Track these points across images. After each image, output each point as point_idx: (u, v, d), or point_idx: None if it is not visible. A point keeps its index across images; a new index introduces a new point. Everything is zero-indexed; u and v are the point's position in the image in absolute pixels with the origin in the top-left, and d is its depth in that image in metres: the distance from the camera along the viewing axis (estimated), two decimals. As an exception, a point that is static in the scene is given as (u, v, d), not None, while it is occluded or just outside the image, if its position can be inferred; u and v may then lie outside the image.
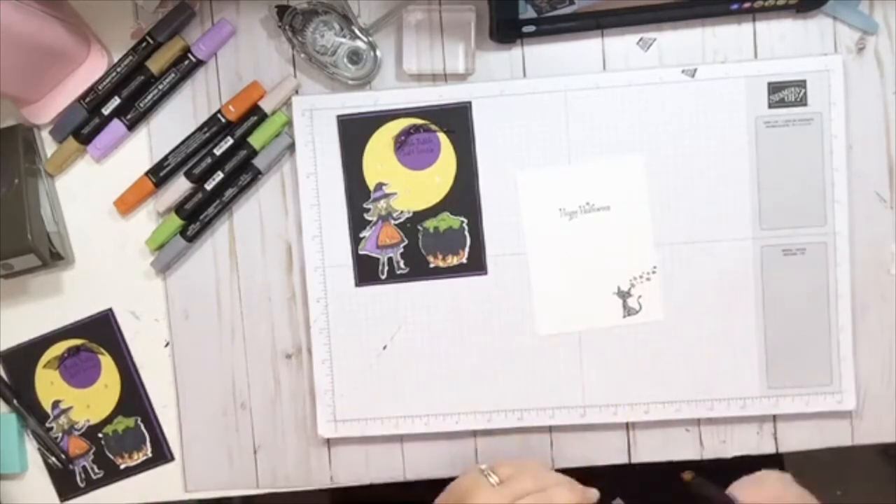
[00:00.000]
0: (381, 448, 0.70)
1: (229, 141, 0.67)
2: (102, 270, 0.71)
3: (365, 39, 0.65)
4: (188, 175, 0.68)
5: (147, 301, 0.70)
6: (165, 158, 0.68)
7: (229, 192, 0.68)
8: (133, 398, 0.71)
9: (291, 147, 0.68)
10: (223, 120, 0.67)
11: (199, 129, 0.68)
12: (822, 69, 0.65)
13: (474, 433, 0.69)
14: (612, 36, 0.66)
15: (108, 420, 0.71)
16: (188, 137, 0.68)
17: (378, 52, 0.66)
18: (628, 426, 0.68)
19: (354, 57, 0.65)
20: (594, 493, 0.59)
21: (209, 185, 0.68)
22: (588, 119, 0.66)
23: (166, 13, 0.67)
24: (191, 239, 0.68)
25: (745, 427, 0.68)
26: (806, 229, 0.66)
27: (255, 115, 0.67)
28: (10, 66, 0.62)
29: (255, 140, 0.67)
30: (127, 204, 0.69)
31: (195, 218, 0.68)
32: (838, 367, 0.66)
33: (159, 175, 0.68)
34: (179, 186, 0.68)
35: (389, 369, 0.68)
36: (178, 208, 0.68)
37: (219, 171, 0.68)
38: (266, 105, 0.67)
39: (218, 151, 0.68)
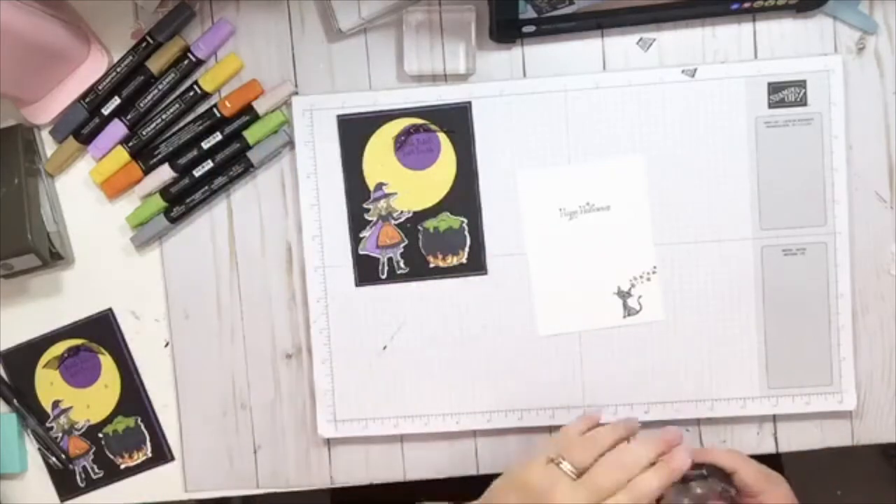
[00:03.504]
0: (381, 448, 0.70)
1: (217, 136, 0.68)
2: (102, 270, 0.71)
3: None
4: (173, 165, 0.68)
5: (147, 301, 0.70)
6: (157, 147, 0.68)
7: (218, 181, 0.68)
8: (133, 398, 0.71)
9: (287, 146, 0.68)
10: (217, 114, 0.67)
11: (193, 120, 0.68)
12: (822, 69, 0.65)
13: (474, 433, 0.69)
14: (612, 36, 0.66)
15: (108, 420, 0.71)
16: (181, 128, 0.68)
17: None
18: (628, 426, 0.68)
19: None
20: (681, 464, 0.54)
21: (197, 173, 0.68)
22: (588, 119, 0.66)
23: (166, 13, 0.67)
24: (174, 220, 0.68)
25: (745, 427, 0.68)
26: (806, 229, 0.66)
27: (248, 114, 0.67)
28: (10, 66, 0.62)
29: (250, 135, 0.67)
30: (114, 188, 0.69)
31: (180, 201, 0.68)
32: (838, 367, 0.66)
33: (149, 163, 0.68)
34: (164, 173, 0.68)
35: (389, 369, 0.68)
36: (164, 191, 0.68)
37: (208, 160, 0.68)
38: (260, 106, 0.67)
39: (206, 146, 0.68)
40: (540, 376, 0.67)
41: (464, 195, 0.67)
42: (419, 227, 0.67)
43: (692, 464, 0.56)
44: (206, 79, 0.67)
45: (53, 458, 0.71)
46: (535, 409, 0.68)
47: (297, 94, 0.68)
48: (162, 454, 0.71)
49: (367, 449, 0.70)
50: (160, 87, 0.68)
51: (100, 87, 0.68)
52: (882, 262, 0.67)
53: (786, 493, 0.58)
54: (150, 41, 0.67)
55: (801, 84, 0.65)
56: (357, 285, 0.68)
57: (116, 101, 0.68)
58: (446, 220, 0.67)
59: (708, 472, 0.58)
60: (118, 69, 0.68)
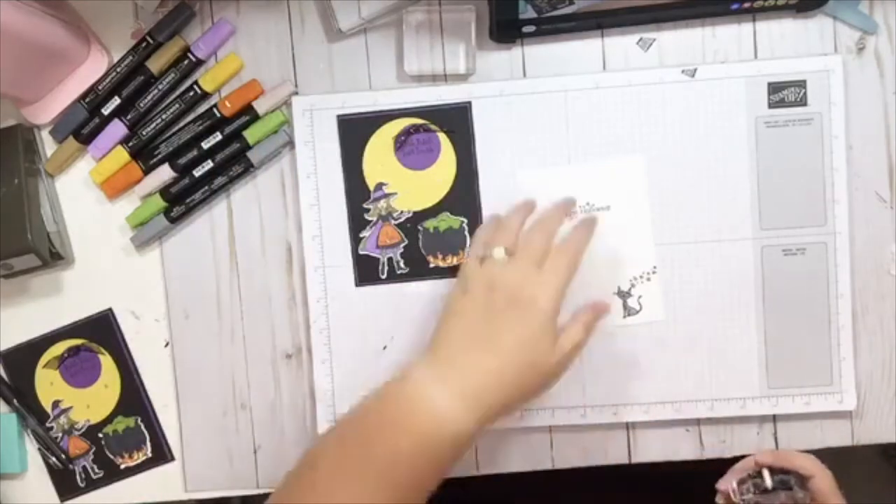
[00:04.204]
0: (381, 448, 0.69)
1: (217, 136, 0.67)
2: (102, 270, 0.71)
3: None
4: (173, 165, 0.68)
5: (147, 301, 0.70)
6: (157, 147, 0.68)
7: (218, 181, 0.68)
8: (133, 398, 0.71)
9: (287, 146, 0.68)
10: (217, 114, 0.67)
11: (193, 120, 0.68)
12: (822, 69, 0.65)
13: (474, 433, 0.69)
14: (612, 36, 0.66)
15: (108, 420, 0.71)
16: (180, 129, 0.68)
17: None
18: (628, 426, 0.68)
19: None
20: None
21: (197, 173, 0.68)
22: (588, 119, 0.66)
23: (166, 13, 0.67)
24: (174, 220, 0.68)
25: (745, 427, 0.68)
26: (806, 229, 0.66)
27: (248, 114, 0.67)
28: (10, 66, 0.62)
29: (250, 134, 0.67)
30: (114, 188, 0.69)
31: (180, 201, 0.68)
32: (838, 367, 0.66)
33: (149, 163, 0.68)
34: (164, 173, 0.68)
35: (389, 369, 0.68)
36: (164, 191, 0.68)
37: (208, 160, 0.68)
38: (260, 106, 0.67)
39: (206, 146, 0.68)
40: (540, 376, 0.67)
41: (464, 195, 0.67)
42: (419, 227, 0.67)
43: (774, 468, 0.58)
44: (206, 79, 0.67)
45: (53, 458, 0.71)
46: (535, 408, 0.67)
47: (297, 94, 0.68)
48: (162, 454, 0.71)
49: (367, 449, 0.70)
50: (160, 87, 0.68)
51: (100, 87, 0.68)
52: (882, 262, 0.67)
53: None
54: (150, 41, 0.67)
55: (801, 84, 0.65)
56: (357, 285, 0.68)
57: (116, 101, 0.68)
58: (446, 220, 0.67)
59: (795, 479, 0.58)
60: (118, 69, 0.68)
